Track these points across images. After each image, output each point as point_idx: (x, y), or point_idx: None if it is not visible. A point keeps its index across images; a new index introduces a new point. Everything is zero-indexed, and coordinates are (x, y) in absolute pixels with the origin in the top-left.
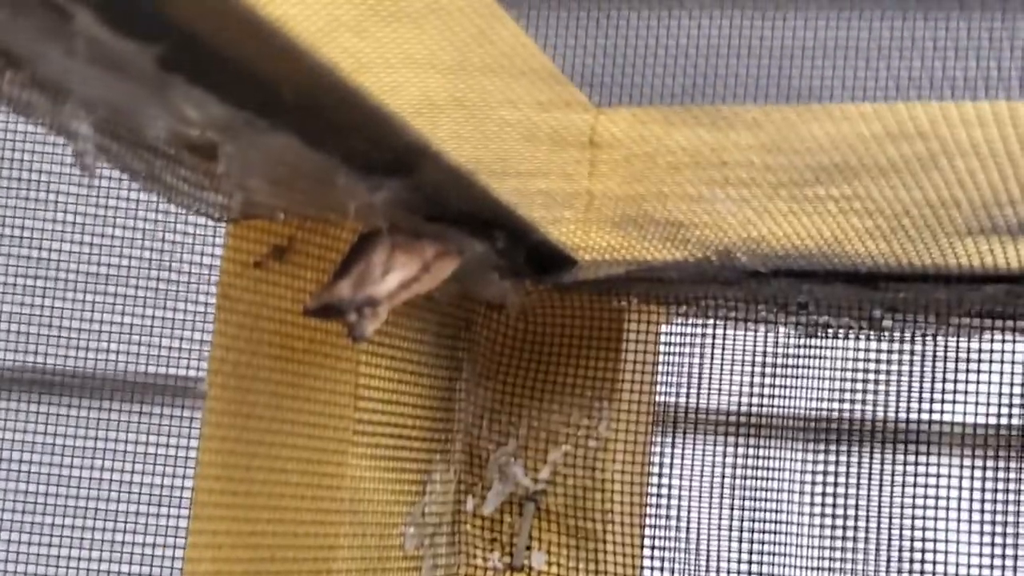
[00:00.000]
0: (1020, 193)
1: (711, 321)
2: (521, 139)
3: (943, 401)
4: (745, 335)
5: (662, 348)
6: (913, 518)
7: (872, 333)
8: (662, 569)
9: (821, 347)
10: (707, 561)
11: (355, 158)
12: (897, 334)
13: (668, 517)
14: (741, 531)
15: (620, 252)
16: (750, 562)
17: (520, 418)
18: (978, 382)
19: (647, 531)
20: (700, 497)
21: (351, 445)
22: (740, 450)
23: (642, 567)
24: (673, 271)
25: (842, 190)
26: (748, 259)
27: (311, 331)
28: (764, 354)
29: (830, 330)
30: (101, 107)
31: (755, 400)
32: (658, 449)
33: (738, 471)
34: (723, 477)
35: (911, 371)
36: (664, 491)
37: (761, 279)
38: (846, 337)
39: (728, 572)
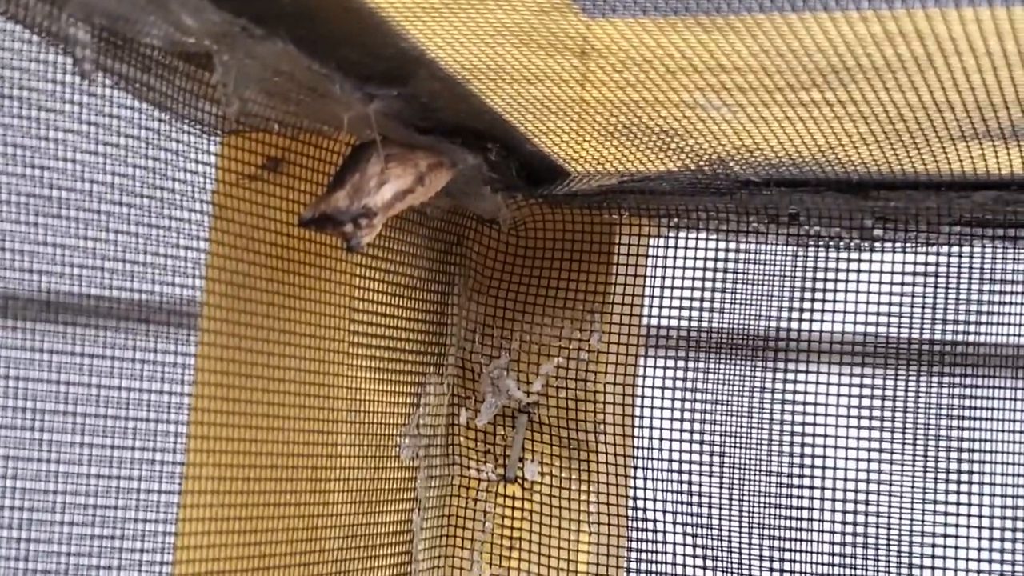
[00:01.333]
0: (1014, 94)
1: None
2: (517, 44)
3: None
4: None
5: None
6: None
7: (864, 243)
8: (649, 488)
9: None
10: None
11: (350, 67)
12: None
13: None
14: (712, 452)
15: (613, 163)
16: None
17: (512, 332)
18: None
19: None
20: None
21: (347, 357)
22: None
23: (634, 477)
24: (665, 182)
25: (837, 94)
26: (741, 168)
27: (306, 243)
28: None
29: (821, 241)
30: (99, 14)
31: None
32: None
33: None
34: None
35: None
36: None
37: (753, 189)
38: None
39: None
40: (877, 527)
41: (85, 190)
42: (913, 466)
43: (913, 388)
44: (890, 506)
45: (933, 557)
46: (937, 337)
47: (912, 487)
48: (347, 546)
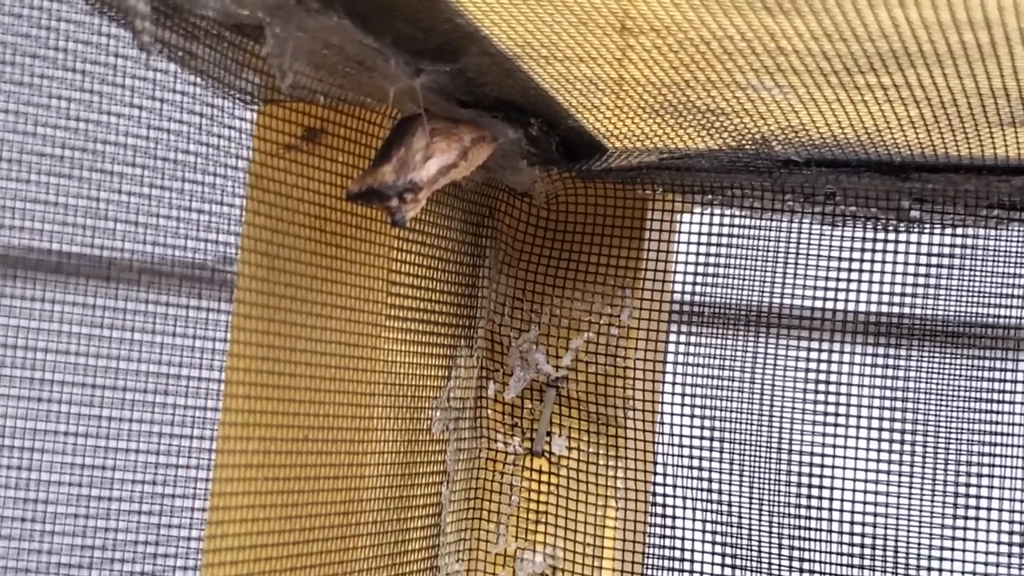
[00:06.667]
0: None
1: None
2: (575, 23)
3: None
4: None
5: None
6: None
7: (900, 224)
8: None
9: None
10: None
11: (403, 42)
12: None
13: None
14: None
15: (652, 140)
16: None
17: (542, 305)
18: None
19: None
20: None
21: (384, 329)
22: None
23: (659, 453)
24: (704, 160)
25: (894, 78)
26: (783, 148)
27: (343, 214)
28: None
29: (857, 221)
30: None
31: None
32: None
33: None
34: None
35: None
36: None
37: (792, 168)
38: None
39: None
40: (909, 508)
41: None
42: (946, 449)
43: (945, 370)
44: (922, 488)
45: (954, 540)
46: (969, 320)
47: (944, 469)
48: (381, 519)
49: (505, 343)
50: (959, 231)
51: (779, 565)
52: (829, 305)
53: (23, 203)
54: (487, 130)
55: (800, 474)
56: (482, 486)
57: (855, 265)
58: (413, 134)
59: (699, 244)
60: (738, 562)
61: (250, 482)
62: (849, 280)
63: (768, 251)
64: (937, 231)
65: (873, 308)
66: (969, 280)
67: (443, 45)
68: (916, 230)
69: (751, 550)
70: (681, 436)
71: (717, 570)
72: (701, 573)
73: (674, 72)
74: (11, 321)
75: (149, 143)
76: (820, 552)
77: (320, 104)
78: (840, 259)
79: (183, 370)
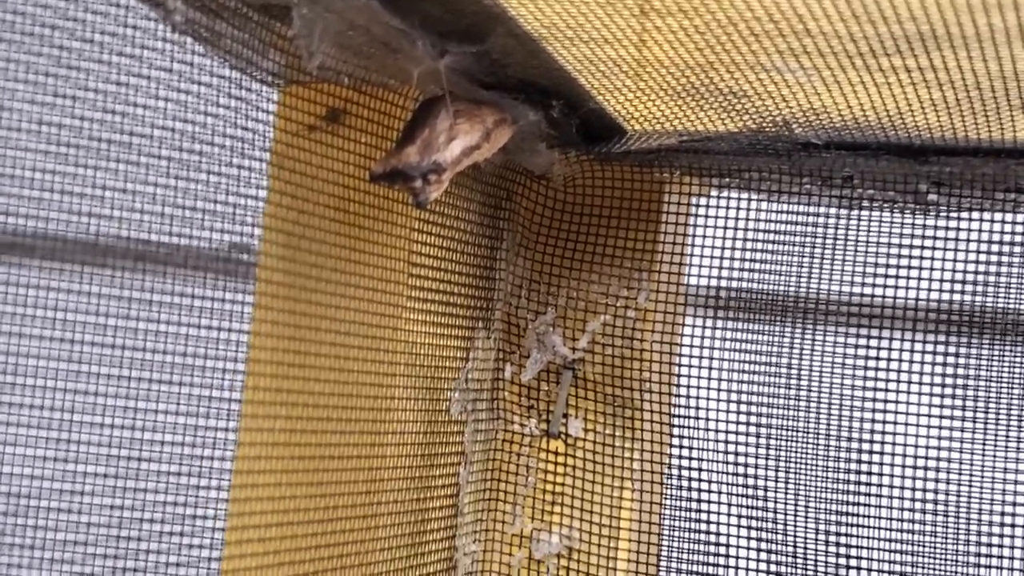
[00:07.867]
0: None
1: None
2: (603, 3)
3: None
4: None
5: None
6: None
7: (917, 208)
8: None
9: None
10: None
11: (430, 24)
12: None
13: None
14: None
15: (672, 122)
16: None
17: (559, 288)
18: None
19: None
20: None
21: (404, 311)
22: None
23: (677, 436)
24: (724, 142)
25: (919, 61)
26: (803, 131)
27: (366, 195)
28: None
29: (875, 204)
30: None
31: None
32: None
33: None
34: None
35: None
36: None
37: (811, 151)
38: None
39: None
40: (936, 496)
41: (148, 135)
42: (983, 435)
43: (952, 354)
44: (949, 475)
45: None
46: (990, 304)
47: (980, 456)
48: (401, 499)
49: (522, 325)
50: (976, 215)
51: (815, 551)
52: (867, 291)
53: (47, 192)
54: (508, 112)
55: (813, 459)
56: (499, 467)
57: (882, 250)
58: (437, 115)
59: (715, 228)
60: (767, 547)
61: (274, 460)
62: (869, 264)
63: (804, 236)
64: (952, 216)
65: (898, 294)
66: (991, 266)
67: (470, 27)
68: (934, 214)
69: (784, 535)
70: (694, 419)
71: (743, 553)
72: (716, 555)
73: (698, 53)
74: (23, 311)
75: (175, 133)
76: (852, 525)
77: (344, 85)
78: (879, 244)
79: (208, 355)
